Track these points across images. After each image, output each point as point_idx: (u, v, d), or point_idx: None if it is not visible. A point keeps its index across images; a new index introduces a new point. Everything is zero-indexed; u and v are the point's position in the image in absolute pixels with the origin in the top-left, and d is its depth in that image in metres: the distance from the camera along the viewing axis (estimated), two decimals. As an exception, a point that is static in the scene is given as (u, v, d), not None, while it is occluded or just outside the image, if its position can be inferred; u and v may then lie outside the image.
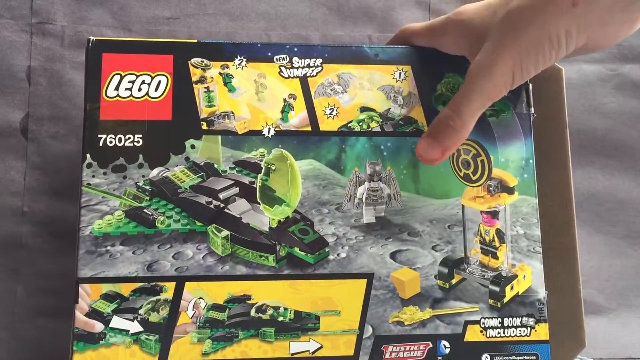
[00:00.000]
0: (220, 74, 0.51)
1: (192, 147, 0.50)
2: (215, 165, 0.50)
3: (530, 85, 0.53)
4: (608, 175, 0.64)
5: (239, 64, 0.51)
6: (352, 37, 0.63)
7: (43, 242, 0.56)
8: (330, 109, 0.51)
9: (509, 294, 0.50)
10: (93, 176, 0.48)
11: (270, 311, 0.48)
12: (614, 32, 0.44)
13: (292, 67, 0.52)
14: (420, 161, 0.50)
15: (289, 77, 0.52)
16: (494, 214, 0.51)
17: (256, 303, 0.48)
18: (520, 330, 0.50)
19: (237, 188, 0.50)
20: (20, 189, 0.57)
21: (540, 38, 0.43)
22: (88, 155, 0.48)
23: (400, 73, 0.53)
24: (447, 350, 0.49)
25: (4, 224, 0.56)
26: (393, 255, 0.50)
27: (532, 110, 0.53)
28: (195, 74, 0.50)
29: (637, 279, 0.63)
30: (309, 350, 0.48)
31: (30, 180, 0.57)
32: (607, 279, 0.63)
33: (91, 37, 0.50)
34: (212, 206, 0.49)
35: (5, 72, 0.58)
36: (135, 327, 0.47)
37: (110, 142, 0.49)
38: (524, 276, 0.51)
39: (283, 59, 0.52)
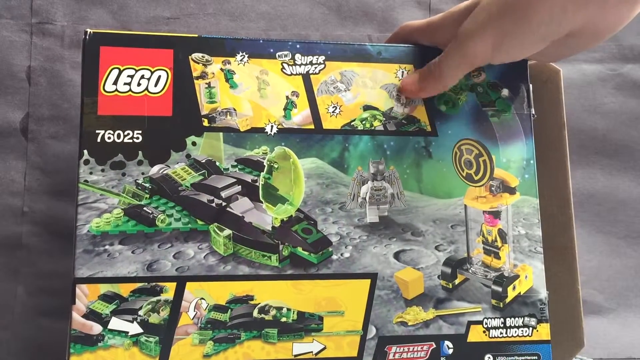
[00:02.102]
0: (221, 69, 0.50)
1: (193, 144, 0.48)
2: (217, 163, 0.49)
3: (531, 85, 0.53)
4: (608, 175, 0.65)
5: (241, 60, 0.50)
6: (352, 37, 0.62)
7: (43, 242, 0.55)
8: (333, 107, 0.51)
9: (511, 294, 0.50)
10: (91, 173, 0.47)
11: (273, 312, 0.47)
12: (613, 12, 0.42)
13: (295, 64, 0.51)
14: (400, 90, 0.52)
15: (292, 74, 0.51)
16: (496, 214, 0.51)
17: (259, 303, 0.47)
18: (522, 331, 0.50)
19: (240, 186, 0.49)
20: (20, 189, 0.55)
21: (529, 11, 0.42)
22: (85, 152, 0.47)
23: (402, 72, 0.52)
24: (451, 351, 0.49)
25: (4, 224, 0.55)
26: (396, 255, 0.49)
27: (533, 110, 0.53)
28: (196, 70, 0.49)
29: (637, 279, 0.64)
30: (312, 351, 0.47)
31: (30, 180, 0.55)
32: (607, 279, 0.64)
33: (88, 30, 0.48)
34: (213, 205, 0.48)
35: (5, 72, 0.56)
36: (134, 328, 0.45)
37: (109, 138, 0.47)
38: (526, 276, 0.51)
39: (285, 56, 0.51)
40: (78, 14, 0.58)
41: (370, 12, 0.63)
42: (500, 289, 0.50)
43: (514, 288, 0.50)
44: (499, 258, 0.51)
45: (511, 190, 0.52)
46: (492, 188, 0.52)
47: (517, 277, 0.51)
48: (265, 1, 0.61)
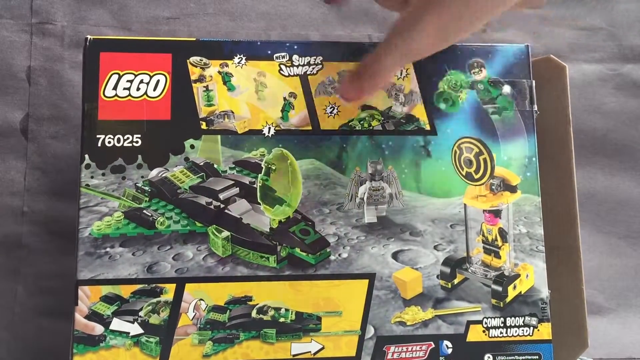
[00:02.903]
0: (219, 72, 0.50)
1: (192, 147, 0.49)
2: (215, 166, 0.49)
3: (534, 82, 0.53)
4: (608, 175, 0.63)
5: (239, 63, 0.50)
6: (352, 37, 0.62)
7: (43, 242, 0.56)
8: (330, 108, 0.51)
9: (511, 293, 0.50)
10: (92, 177, 0.48)
11: (271, 312, 0.48)
12: None
13: (292, 65, 0.51)
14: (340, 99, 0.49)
15: (289, 75, 0.51)
16: (496, 213, 0.51)
17: (257, 304, 0.48)
18: (522, 330, 0.50)
19: (237, 188, 0.49)
20: (20, 189, 0.56)
21: None
22: (86, 156, 0.48)
23: (401, 70, 0.52)
24: (450, 351, 0.49)
25: (4, 224, 0.56)
26: (395, 255, 0.50)
27: (535, 107, 0.52)
28: (194, 73, 0.50)
29: (637, 279, 0.63)
30: (310, 351, 0.48)
31: (30, 180, 0.56)
32: (607, 279, 0.63)
33: (88, 36, 0.49)
34: (212, 207, 0.49)
35: (5, 72, 0.57)
36: (135, 329, 0.46)
37: (109, 142, 0.48)
38: (527, 275, 0.50)
39: (283, 57, 0.51)
40: (78, 14, 0.59)
41: (370, 12, 0.62)
42: (500, 289, 0.50)
43: (514, 287, 0.50)
44: (499, 257, 0.51)
45: (512, 189, 0.51)
46: (493, 187, 0.51)
47: (517, 276, 0.50)
48: (265, 1, 0.62)
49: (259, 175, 0.49)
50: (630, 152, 0.64)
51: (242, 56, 0.51)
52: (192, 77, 0.50)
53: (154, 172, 0.49)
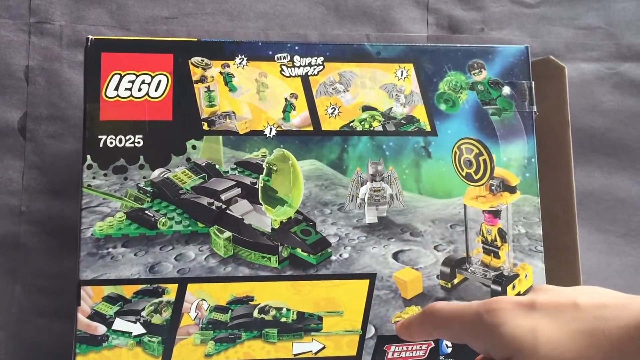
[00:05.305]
0: (221, 73, 0.50)
1: (193, 147, 0.49)
2: (217, 166, 0.49)
3: (533, 83, 0.53)
4: (606, 173, 0.64)
5: (240, 63, 0.51)
6: (350, 37, 0.62)
7: (41, 241, 0.56)
8: (332, 108, 0.51)
9: (510, 293, 0.50)
10: (94, 177, 0.48)
11: (273, 312, 0.48)
12: None
13: (294, 66, 0.51)
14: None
15: (290, 76, 0.51)
16: (496, 214, 0.51)
17: (259, 304, 0.48)
18: (521, 330, 0.50)
19: (239, 189, 0.50)
20: (18, 188, 0.56)
21: None
22: (88, 157, 0.48)
23: (402, 71, 0.52)
24: (449, 350, 0.49)
25: (2, 224, 0.56)
26: (395, 256, 0.50)
27: (535, 108, 0.53)
28: (196, 74, 0.50)
29: (636, 277, 0.63)
30: (311, 351, 0.48)
31: (28, 180, 0.56)
32: (606, 277, 0.63)
33: (90, 36, 0.49)
34: (213, 207, 0.49)
35: (4, 72, 0.57)
36: (137, 329, 0.47)
37: (111, 142, 0.48)
38: (526, 275, 0.51)
39: (284, 58, 0.51)
40: (76, 14, 0.59)
41: (368, 12, 0.63)
42: (499, 288, 0.50)
43: (513, 287, 0.50)
44: (498, 257, 0.51)
45: (511, 189, 0.52)
46: (492, 187, 0.52)
47: (516, 276, 0.51)
48: (263, 1, 0.61)
49: (261, 175, 0.50)
50: (628, 150, 0.65)
51: (243, 57, 0.51)
52: (194, 78, 0.50)
53: (156, 172, 0.49)
